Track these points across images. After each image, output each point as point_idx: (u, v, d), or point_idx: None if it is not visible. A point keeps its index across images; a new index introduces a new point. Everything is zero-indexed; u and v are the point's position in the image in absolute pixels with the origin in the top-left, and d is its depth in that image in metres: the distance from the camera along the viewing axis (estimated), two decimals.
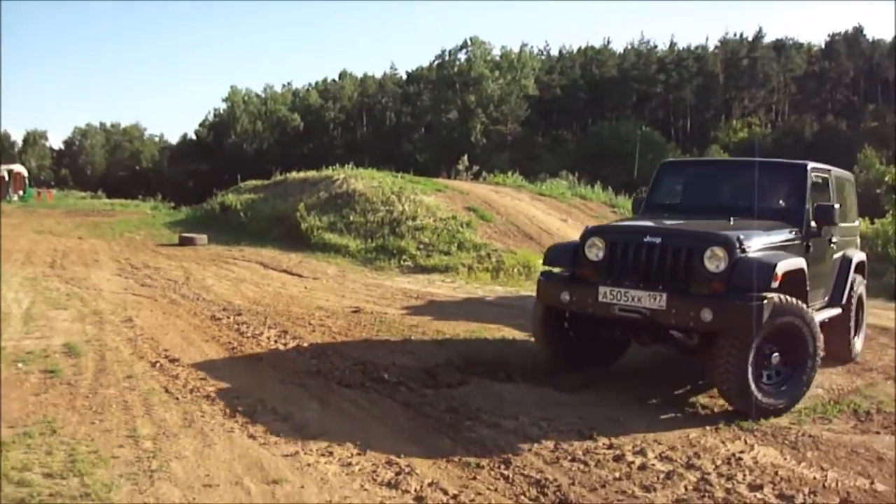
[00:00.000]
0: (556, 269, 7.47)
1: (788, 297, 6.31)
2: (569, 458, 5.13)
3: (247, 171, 37.12)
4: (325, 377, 7.06)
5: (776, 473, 4.93)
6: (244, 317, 9.95)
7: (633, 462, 5.06)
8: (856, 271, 8.44)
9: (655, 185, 8.62)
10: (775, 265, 6.28)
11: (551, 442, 5.42)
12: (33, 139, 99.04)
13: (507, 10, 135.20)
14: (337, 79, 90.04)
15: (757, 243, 6.59)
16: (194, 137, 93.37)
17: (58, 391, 6.40)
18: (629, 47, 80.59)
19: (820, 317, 7.34)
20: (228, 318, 9.88)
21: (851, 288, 8.28)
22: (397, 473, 4.78)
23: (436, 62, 77.73)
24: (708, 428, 5.91)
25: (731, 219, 7.10)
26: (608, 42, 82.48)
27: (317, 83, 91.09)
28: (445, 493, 4.50)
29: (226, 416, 5.88)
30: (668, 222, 7.45)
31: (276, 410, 6.01)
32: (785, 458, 5.27)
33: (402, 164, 40.46)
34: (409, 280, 13.98)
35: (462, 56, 75.83)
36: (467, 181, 29.97)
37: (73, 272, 14.03)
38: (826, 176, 8.18)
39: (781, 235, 7.05)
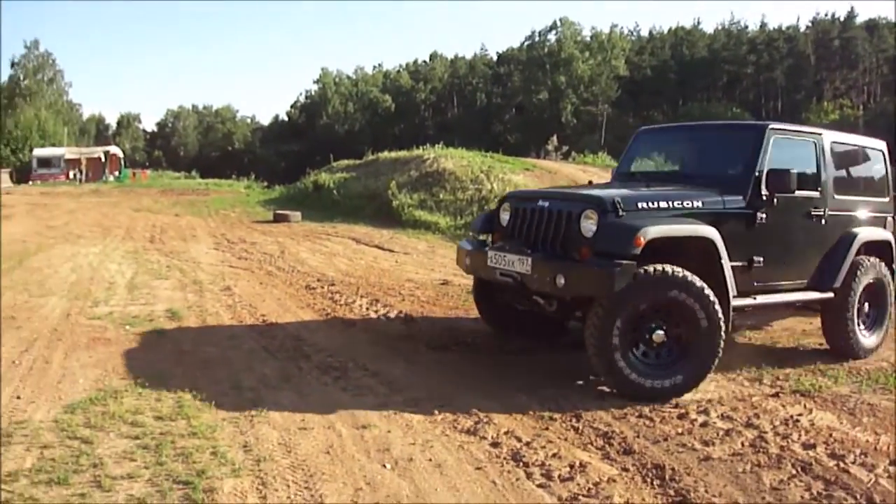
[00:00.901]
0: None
1: (671, 268, 6.07)
2: (636, 414, 5.62)
3: (338, 152, 38.18)
4: (413, 340, 7.70)
5: (830, 435, 5.30)
6: (337, 287, 10.66)
7: (695, 420, 5.53)
8: (867, 253, 7.84)
9: (628, 153, 8.62)
10: (637, 230, 6.02)
11: (621, 401, 5.92)
12: (127, 121, 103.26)
13: None
14: (428, 60, 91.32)
15: (645, 208, 6.38)
16: (286, 119, 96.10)
17: (164, 349, 7.16)
18: (720, 28, 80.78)
19: (785, 298, 7.31)
20: (322, 288, 10.61)
21: (855, 271, 7.61)
22: (476, 423, 5.36)
23: (526, 43, 78.75)
24: (770, 393, 6.31)
25: (656, 185, 7.19)
26: (698, 22, 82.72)
27: (407, 64, 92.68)
28: (519, 440, 5.07)
29: (320, 372, 6.57)
30: (588, 191, 7.32)
31: (366, 368, 6.67)
32: (841, 422, 5.63)
33: (492, 144, 40.93)
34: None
35: (552, 37, 76.79)
36: (556, 161, 30.39)
37: (171, 246, 15.02)
38: (807, 139, 7.65)
39: (697, 201, 6.60)
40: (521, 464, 4.69)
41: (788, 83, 72.29)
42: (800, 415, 5.70)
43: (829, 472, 4.64)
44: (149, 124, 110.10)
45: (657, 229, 6.17)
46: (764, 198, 6.90)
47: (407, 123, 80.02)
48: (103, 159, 50.46)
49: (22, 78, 71.01)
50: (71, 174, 47.19)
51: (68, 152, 50.62)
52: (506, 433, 5.18)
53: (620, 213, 6.19)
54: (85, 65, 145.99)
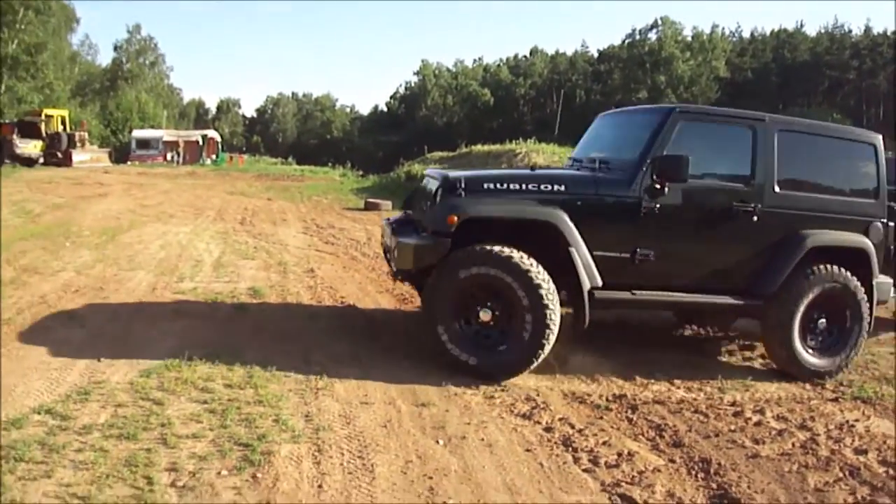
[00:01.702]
0: None
1: (496, 247, 6.27)
2: (692, 409, 5.82)
3: (436, 144, 38.72)
4: None
5: (884, 442, 5.42)
6: None
7: (750, 418, 5.69)
8: (828, 260, 7.15)
9: (585, 137, 8.56)
10: (454, 209, 6.30)
11: (680, 394, 6.17)
12: (227, 107, 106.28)
13: None
14: (528, 55, 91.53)
15: (491, 189, 6.57)
16: (385, 109, 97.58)
17: (242, 324, 7.57)
18: (822, 31, 78.45)
19: (688, 298, 6.97)
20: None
21: (799, 279, 7.05)
22: (533, 407, 5.66)
23: (626, 41, 78.46)
24: (830, 398, 6.43)
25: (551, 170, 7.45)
26: (801, 25, 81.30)
27: (507, 59, 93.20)
28: (572, 426, 5.33)
29: (386, 351, 6.92)
30: (457, 172, 7.39)
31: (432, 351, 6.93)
32: None
33: None
34: None
35: (653, 35, 76.74)
36: None
37: (261, 229, 15.59)
38: (740, 126, 7.29)
39: (560, 186, 6.68)
40: (571, 449, 4.95)
41: (892, 89, 70.16)
42: (856, 420, 5.80)
43: (876, 478, 4.75)
44: (248, 110, 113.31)
45: (479, 209, 6.41)
46: (657, 186, 6.70)
47: (505, 118, 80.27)
48: (201, 143, 52.14)
49: (124, 61, 73.96)
50: (168, 156, 48.95)
51: (167, 134, 52.52)
52: (560, 419, 5.44)
53: (460, 192, 6.48)
54: (187, 51, 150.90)
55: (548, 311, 6.25)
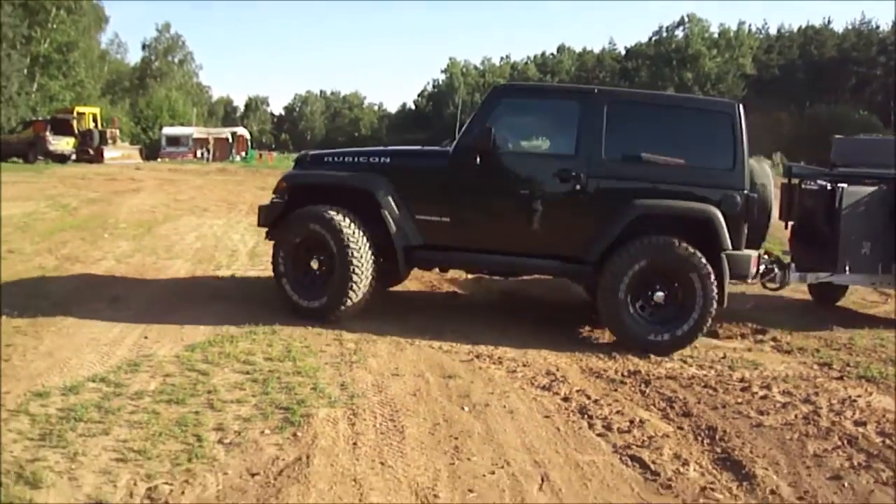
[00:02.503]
0: None
1: (319, 207, 7.49)
2: (702, 384, 6.21)
3: None
4: (508, 311, 8.50)
5: (884, 416, 5.73)
6: None
7: (756, 393, 6.06)
8: (666, 230, 7.22)
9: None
10: (287, 177, 8.08)
11: (692, 370, 6.60)
12: (255, 104, 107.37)
13: None
14: (555, 52, 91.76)
15: (330, 161, 8.25)
16: (413, 107, 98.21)
17: (280, 305, 8.04)
18: (849, 27, 77.85)
19: (524, 262, 7.68)
20: None
21: (626, 248, 7.16)
22: (552, 380, 6.09)
23: (653, 38, 78.47)
24: (835, 376, 6.76)
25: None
26: (828, 21, 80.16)
27: (535, 56, 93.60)
28: (588, 397, 5.75)
29: (416, 332, 7.38)
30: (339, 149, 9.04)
31: (459, 331, 7.48)
32: None
33: None
34: None
35: (679, 32, 76.53)
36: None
37: None
38: (568, 99, 7.99)
39: (385, 158, 7.98)
40: (586, 416, 5.37)
41: None
42: (858, 396, 6.14)
43: (873, 447, 5.11)
44: (276, 108, 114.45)
45: (303, 177, 8.14)
46: (472, 156, 7.47)
47: None
48: (230, 140, 52.93)
49: (153, 59, 75.07)
50: (198, 153, 49.73)
51: (196, 132, 53.35)
52: (577, 391, 5.87)
53: (305, 164, 8.38)
54: (215, 49, 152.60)
55: (353, 263, 7.35)
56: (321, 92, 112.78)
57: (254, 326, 7.17)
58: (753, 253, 7.51)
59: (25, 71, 48.70)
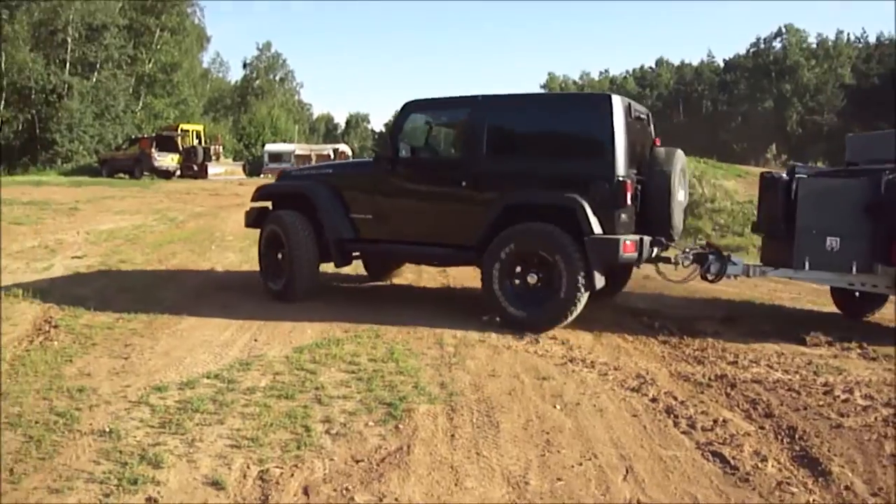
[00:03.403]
0: None
1: (281, 211, 9.60)
2: (786, 388, 6.43)
3: None
4: (603, 320, 8.72)
5: None
6: None
7: (838, 396, 6.25)
8: (535, 218, 8.01)
9: None
10: (262, 188, 10.60)
11: (777, 374, 6.81)
12: (356, 121, 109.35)
13: None
14: (654, 66, 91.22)
15: (298, 175, 11.09)
16: None
17: (383, 310, 8.66)
18: None
19: (415, 250, 9.13)
20: None
21: (499, 235, 8.08)
22: (642, 383, 6.41)
23: (751, 50, 77.37)
24: None
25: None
26: None
27: (633, 70, 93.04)
28: (675, 398, 6.05)
29: (514, 337, 7.80)
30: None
31: (555, 337, 7.87)
32: None
33: (720, 152, 40.87)
34: None
35: (777, 44, 75.35)
36: (775, 170, 30.54)
37: None
38: (458, 107, 9.31)
39: (330, 170, 10.69)
40: (672, 415, 5.68)
41: None
42: None
43: None
44: (377, 124, 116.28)
45: (268, 187, 10.69)
46: (386, 164, 9.05)
47: None
48: (332, 156, 54.09)
49: (254, 78, 77.37)
50: None
51: (298, 149, 54.58)
52: (665, 393, 6.17)
53: (283, 177, 11.08)
54: (316, 67, 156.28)
55: (297, 254, 9.12)
56: None
57: (359, 329, 7.77)
58: (627, 237, 7.93)
59: (131, 90, 50.84)
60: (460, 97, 9.05)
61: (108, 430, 5.14)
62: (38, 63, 44.10)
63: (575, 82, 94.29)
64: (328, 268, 9.95)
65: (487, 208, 8.28)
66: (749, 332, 8.31)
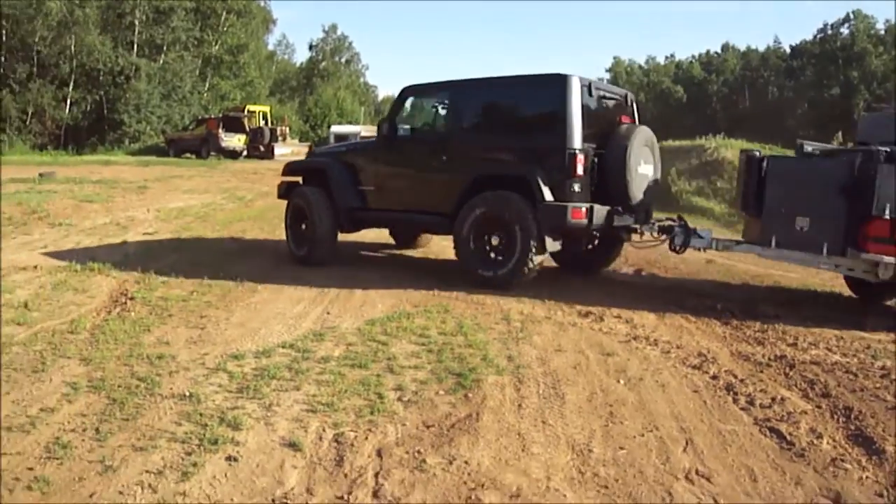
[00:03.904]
0: None
1: (305, 187, 11.13)
2: (843, 370, 6.57)
3: None
4: (666, 301, 8.95)
5: None
6: None
7: (895, 379, 6.37)
8: (497, 187, 9.06)
9: None
10: (285, 165, 12.16)
11: (835, 357, 6.96)
12: None
13: None
14: (720, 51, 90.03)
15: (322, 151, 12.91)
16: None
17: (451, 288, 8.91)
18: None
19: (405, 217, 10.38)
20: None
21: (468, 202, 9.22)
22: (703, 361, 6.61)
23: (818, 36, 75.89)
24: None
25: None
26: None
27: (699, 55, 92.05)
28: (735, 377, 6.24)
29: (579, 315, 8.10)
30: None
31: (620, 316, 8.11)
32: None
33: (785, 139, 40.29)
34: None
35: (845, 30, 73.64)
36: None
37: None
38: (440, 91, 10.43)
39: (346, 147, 12.39)
40: (732, 392, 5.87)
41: None
42: None
43: None
44: None
45: (294, 163, 12.27)
46: (386, 142, 10.23)
47: (698, 115, 79.23)
48: None
49: (320, 59, 77.98)
50: None
51: (364, 130, 55.03)
52: (726, 371, 6.37)
53: (309, 154, 12.96)
54: (381, 49, 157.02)
55: (317, 223, 10.40)
56: None
57: (428, 305, 8.09)
58: (576, 205, 8.71)
59: (197, 71, 51.62)
60: (445, 82, 10.16)
61: (188, 394, 5.44)
62: (106, 45, 45.01)
63: (640, 66, 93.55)
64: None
65: (461, 180, 9.34)
66: (809, 316, 8.41)
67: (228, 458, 4.46)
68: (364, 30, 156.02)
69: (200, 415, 5.05)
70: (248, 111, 41.38)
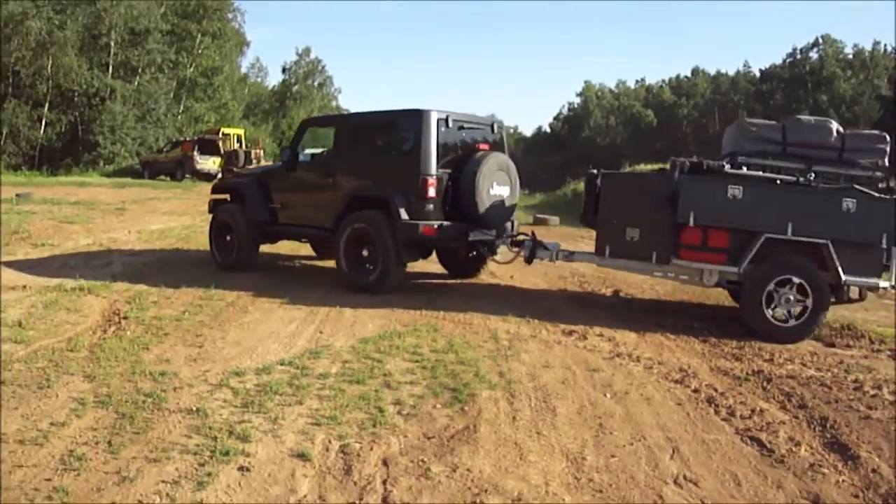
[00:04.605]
0: None
1: (225, 204, 12.40)
2: (818, 383, 6.96)
3: (599, 164, 39.69)
4: (646, 320, 9.29)
5: None
6: (587, 279, 12.54)
7: (867, 392, 6.78)
8: (369, 207, 10.35)
9: None
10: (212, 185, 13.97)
11: (810, 371, 7.36)
12: None
13: (859, 7, 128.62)
14: (689, 75, 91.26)
15: (243, 174, 14.79)
16: (549, 130, 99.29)
17: (438, 309, 9.18)
18: None
19: (300, 231, 11.82)
20: (573, 278, 12.54)
21: (345, 218, 10.49)
22: (684, 375, 6.97)
23: (788, 60, 77.30)
24: None
25: None
26: None
27: (670, 79, 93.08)
28: (715, 390, 6.61)
29: (563, 333, 8.43)
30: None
31: (602, 334, 8.45)
32: None
33: None
34: None
35: (814, 54, 75.07)
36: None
37: None
38: (331, 124, 12.42)
39: (258, 170, 14.99)
40: (713, 405, 6.23)
41: None
42: None
43: None
44: None
45: (219, 184, 14.55)
46: (288, 166, 11.57)
47: (668, 138, 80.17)
48: None
49: (293, 83, 78.08)
50: None
51: None
52: (706, 385, 6.72)
53: (238, 174, 14.56)
54: (352, 73, 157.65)
55: (238, 234, 11.77)
56: None
57: (417, 325, 8.39)
58: (427, 223, 10.01)
59: (172, 94, 51.63)
60: (333, 115, 12.08)
61: (194, 408, 5.68)
62: (82, 67, 44.97)
63: (611, 90, 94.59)
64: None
65: (340, 200, 10.68)
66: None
67: (241, 469, 4.70)
68: (337, 52, 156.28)
69: (209, 428, 5.30)
70: (223, 134, 41.44)
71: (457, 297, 10.14)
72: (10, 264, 11.67)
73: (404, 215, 9.97)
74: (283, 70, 76.85)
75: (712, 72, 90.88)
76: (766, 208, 8.62)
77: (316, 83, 77.89)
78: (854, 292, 8.93)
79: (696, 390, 6.55)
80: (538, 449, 5.17)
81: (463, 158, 10.34)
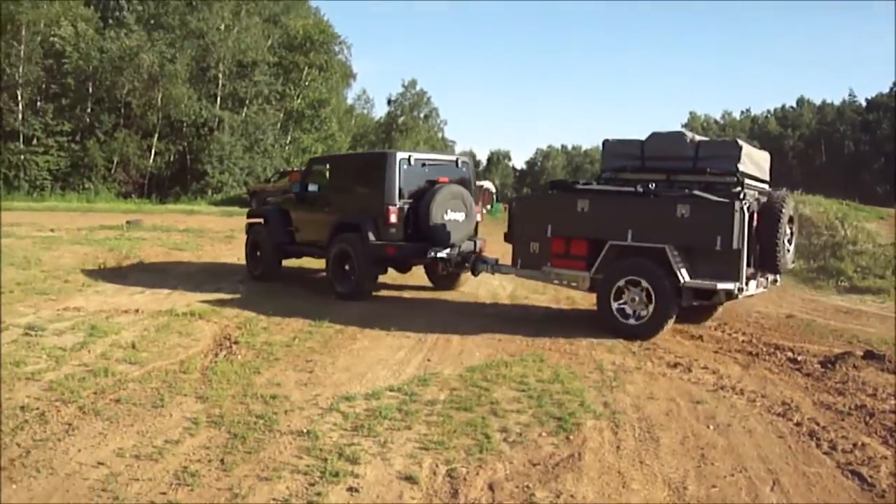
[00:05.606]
0: None
1: (256, 226, 15.33)
2: None
3: None
4: (749, 353, 9.36)
5: None
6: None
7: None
8: (349, 230, 12.70)
9: None
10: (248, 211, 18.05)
11: None
12: (497, 159, 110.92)
13: None
14: (795, 105, 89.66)
15: (271, 201, 16.71)
16: None
17: (545, 337, 9.47)
18: None
19: (308, 249, 14.30)
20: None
21: (336, 239, 12.87)
22: (786, 409, 7.07)
23: (894, 89, 75.06)
24: None
25: None
26: None
27: (775, 110, 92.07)
28: (818, 424, 6.67)
29: (668, 366, 8.58)
30: None
31: (706, 367, 8.56)
32: None
33: (862, 194, 40.12)
34: (842, 298, 15.43)
35: None
36: None
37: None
38: (325, 163, 16.15)
39: (279, 197, 16.72)
40: (815, 438, 6.32)
41: None
42: None
43: None
44: (518, 162, 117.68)
45: (255, 210, 17.28)
46: (300, 195, 14.24)
47: (774, 170, 78.83)
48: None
49: (398, 114, 79.38)
50: None
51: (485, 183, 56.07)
52: (808, 419, 6.80)
53: (265, 202, 18.45)
54: (459, 105, 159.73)
55: (266, 251, 14.68)
56: (562, 146, 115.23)
57: (524, 355, 8.66)
58: (390, 244, 12.30)
59: (279, 125, 53.09)
60: (329, 155, 13.94)
61: (305, 431, 6.02)
62: (191, 98, 46.63)
63: (717, 121, 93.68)
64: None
65: (331, 224, 13.07)
66: (887, 368, 8.78)
67: (350, 489, 5.00)
68: (443, 86, 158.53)
69: (319, 450, 5.63)
70: None
71: (562, 328, 10.29)
72: (120, 290, 12.33)
73: (372, 237, 12.30)
74: (389, 102, 78.18)
75: (818, 101, 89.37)
76: (609, 218, 9.94)
77: (422, 115, 78.94)
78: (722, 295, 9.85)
79: (798, 423, 6.63)
80: (641, 478, 5.35)
81: (424, 190, 12.43)
